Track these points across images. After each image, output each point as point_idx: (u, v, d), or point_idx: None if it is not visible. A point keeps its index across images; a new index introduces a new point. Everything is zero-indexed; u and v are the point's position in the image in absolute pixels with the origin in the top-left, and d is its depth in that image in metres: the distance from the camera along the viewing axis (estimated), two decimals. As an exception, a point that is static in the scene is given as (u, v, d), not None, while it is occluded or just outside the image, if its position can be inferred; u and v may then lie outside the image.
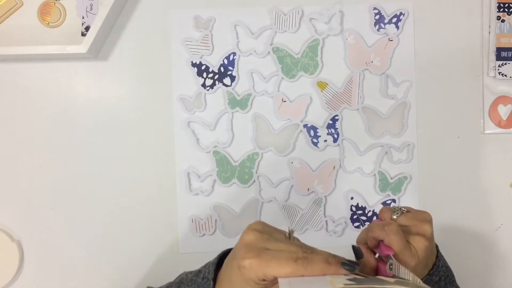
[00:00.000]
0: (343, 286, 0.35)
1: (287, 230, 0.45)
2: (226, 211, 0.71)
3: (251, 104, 0.70)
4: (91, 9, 0.69)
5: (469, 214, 0.72)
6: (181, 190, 0.70)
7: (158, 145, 0.70)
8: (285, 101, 0.70)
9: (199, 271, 0.48)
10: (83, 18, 0.69)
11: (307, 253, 0.38)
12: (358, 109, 0.71)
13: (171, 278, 0.64)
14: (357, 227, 0.71)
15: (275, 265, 0.39)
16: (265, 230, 0.43)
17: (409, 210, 0.50)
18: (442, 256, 0.52)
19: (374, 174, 0.71)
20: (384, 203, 0.71)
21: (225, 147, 0.71)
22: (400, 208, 0.50)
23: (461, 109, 0.72)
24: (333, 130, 0.71)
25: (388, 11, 0.71)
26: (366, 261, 0.44)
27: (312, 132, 0.71)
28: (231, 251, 0.44)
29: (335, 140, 0.71)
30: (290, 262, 0.38)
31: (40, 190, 0.70)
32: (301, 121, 0.71)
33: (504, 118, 0.72)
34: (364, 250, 0.45)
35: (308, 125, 0.71)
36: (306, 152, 0.71)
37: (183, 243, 0.70)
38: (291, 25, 0.70)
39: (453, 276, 0.53)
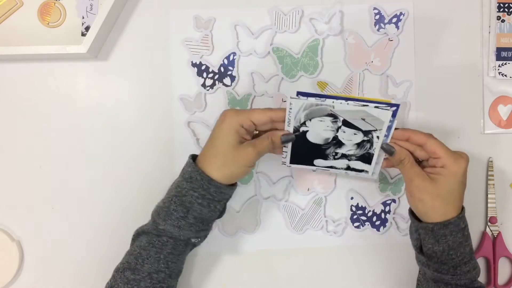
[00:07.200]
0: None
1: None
2: (226, 210, 0.70)
3: (251, 104, 0.70)
4: (91, 9, 0.69)
5: (469, 214, 0.72)
6: (181, 190, 0.70)
7: (158, 145, 0.70)
8: (285, 101, 0.70)
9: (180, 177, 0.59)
10: (83, 18, 0.69)
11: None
12: (358, 109, 0.71)
13: (171, 278, 0.64)
14: (357, 227, 0.71)
15: (251, 112, 0.56)
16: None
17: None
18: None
19: (374, 174, 0.71)
20: (384, 203, 0.71)
21: (225, 147, 0.70)
22: None
23: (461, 109, 0.72)
24: (333, 130, 0.71)
25: (388, 11, 0.71)
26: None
27: (312, 132, 0.71)
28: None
29: (335, 140, 0.71)
30: (265, 110, 0.56)
31: (40, 190, 0.70)
32: (301, 121, 0.71)
33: (504, 118, 0.72)
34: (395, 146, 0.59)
35: (308, 125, 0.70)
36: (306, 152, 0.71)
37: (183, 243, 0.70)
38: (291, 25, 0.70)
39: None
